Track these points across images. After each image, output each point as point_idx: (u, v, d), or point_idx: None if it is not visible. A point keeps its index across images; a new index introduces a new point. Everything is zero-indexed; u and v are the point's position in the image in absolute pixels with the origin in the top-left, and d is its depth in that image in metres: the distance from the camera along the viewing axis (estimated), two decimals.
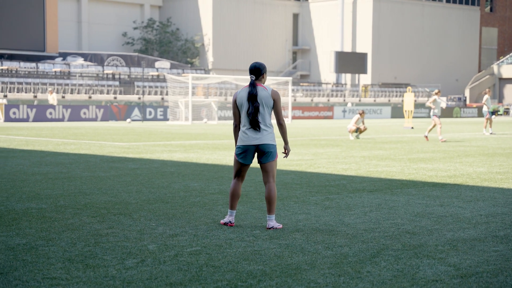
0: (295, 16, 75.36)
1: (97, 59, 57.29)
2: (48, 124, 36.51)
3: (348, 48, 70.73)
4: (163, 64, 57.66)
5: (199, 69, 61.25)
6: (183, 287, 4.74)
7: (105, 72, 51.42)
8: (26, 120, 39.20)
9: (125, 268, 5.24)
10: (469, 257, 5.73)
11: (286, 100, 46.46)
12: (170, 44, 68.89)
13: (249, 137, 6.90)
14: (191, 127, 34.13)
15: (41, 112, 39.97)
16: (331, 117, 54.15)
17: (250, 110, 6.82)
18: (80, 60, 55.66)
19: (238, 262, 5.48)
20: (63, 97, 44.89)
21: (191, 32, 69.23)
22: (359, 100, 61.62)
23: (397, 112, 56.59)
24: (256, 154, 7.03)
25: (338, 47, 69.61)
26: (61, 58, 55.59)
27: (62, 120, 40.53)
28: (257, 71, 6.93)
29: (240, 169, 7.11)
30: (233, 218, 7.13)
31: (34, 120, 39.27)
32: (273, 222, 6.97)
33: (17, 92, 43.42)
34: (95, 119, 41.80)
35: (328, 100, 59.23)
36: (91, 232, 6.67)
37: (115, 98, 47.21)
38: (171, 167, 13.20)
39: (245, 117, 6.89)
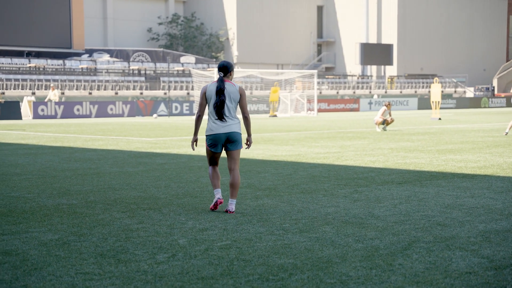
0: (320, 8, 75.03)
1: (123, 55, 57.61)
2: (76, 120, 36.82)
3: (373, 40, 70.29)
4: (188, 59, 57.81)
5: None
6: (214, 281, 4.75)
7: (131, 68, 51.70)
8: (54, 117, 39.57)
9: (156, 263, 5.26)
10: (503, 249, 5.67)
11: (312, 93, 46.32)
12: (195, 39, 69.04)
13: (218, 126, 7.55)
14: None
15: (69, 109, 40.32)
16: (357, 110, 53.89)
17: (217, 102, 7.49)
18: (106, 57, 56.03)
19: (269, 255, 5.48)
20: (89, 93, 45.22)
21: (215, 26, 69.30)
22: (385, 92, 61.23)
23: (424, 103, 56.16)
24: (225, 141, 7.63)
25: (363, 39, 69.22)
26: (87, 55, 55.99)
27: (89, 116, 40.85)
28: (225, 69, 7.56)
29: (213, 157, 7.80)
30: (220, 194, 7.67)
31: (62, 117, 39.63)
32: (233, 206, 7.55)
33: (45, 89, 43.83)
34: (121, 115, 42.06)
35: (354, 92, 58.95)
36: (122, 227, 6.71)
37: (141, 93, 47.46)
38: (198, 162, 13.24)
39: (212, 109, 7.55)
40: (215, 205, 7.63)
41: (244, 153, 15.06)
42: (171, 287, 4.61)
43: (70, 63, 50.41)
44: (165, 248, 5.79)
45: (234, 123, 7.57)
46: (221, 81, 7.51)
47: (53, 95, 39.28)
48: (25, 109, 39.28)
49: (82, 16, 55.93)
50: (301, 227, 6.69)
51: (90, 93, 45.26)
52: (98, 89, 46.18)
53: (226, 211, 7.53)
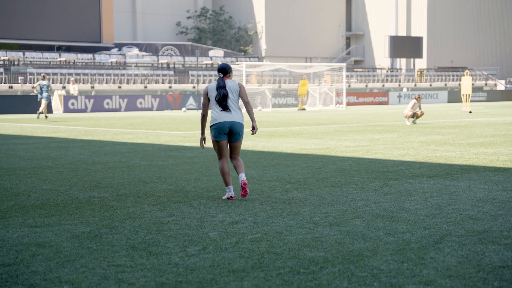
0: (348, 1, 74.61)
1: (152, 49, 57.90)
2: (106, 114, 37.11)
3: (402, 32, 69.72)
4: (217, 52, 57.92)
5: (252, 56, 61.32)
6: (245, 274, 4.76)
7: (160, 61, 51.93)
8: (84, 110, 39.93)
9: (187, 256, 5.29)
10: None
11: (341, 86, 46.11)
12: (223, 33, 69.12)
13: (221, 115, 8.07)
14: (245, 115, 34.24)
15: (99, 103, 40.66)
16: (386, 103, 53.54)
17: (219, 96, 8.05)
18: (135, 51, 56.35)
19: (299, 249, 5.47)
20: (118, 87, 45.53)
21: (244, 20, 69.28)
22: (415, 85, 60.73)
23: (454, 96, 55.59)
24: (228, 133, 8.14)
25: (393, 32, 68.70)
26: (116, 49, 56.37)
27: (119, 110, 41.15)
28: (224, 70, 8.22)
29: (221, 148, 8.18)
30: (232, 192, 8.10)
31: (92, 111, 39.98)
32: (244, 176, 8.00)
33: (75, 83, 44.23)
34: (151, 109, 42.31)
35: (383, 85, 58.56)
36: (153, 220, 6.75)
37: (170, 87, 47.67)
38: None
39: (215, 102, 8.11)
40: (229, 198, 8.08)
41: (273, 147, 15.05)
42: (203, 279, 4.62)
43: (99, 57, 50.80)
44: (196, 241, 5.82)
45: (237, 114, 8.12)
46: (221, 79, 8.17)
47: (72, 89, 39.45)
48: (56, 103, 39.68)
49: (112, 10, 56.31)
50: (331, 220, 6.67)
51: (119, 87, 45.58)
52: (127, 83, 46.48)
53: (242, 183, 7.93)
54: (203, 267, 4.93)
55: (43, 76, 30.27)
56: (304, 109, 41.93)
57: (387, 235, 5.93)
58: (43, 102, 29.34)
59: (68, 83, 43.99)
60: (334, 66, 48.24)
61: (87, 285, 4.51)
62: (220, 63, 46.09)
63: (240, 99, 8.23)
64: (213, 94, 8.11)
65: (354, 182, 9.37)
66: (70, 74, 44.63)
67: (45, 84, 29.37)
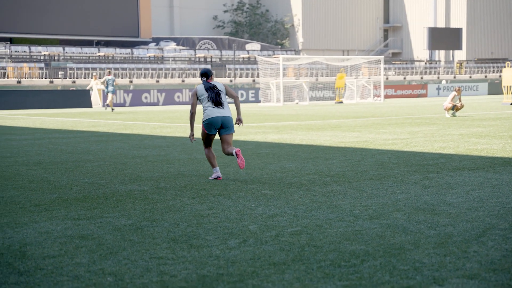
0: None
1: (189, 43, 58.16)
2: (144, 108, 37.43)
3: (441, 24, 68.83)
4: (254, 46, 57.93)
5: (289, 50, 61.20)
6: (286, 266, 4.76)
7: (197, 55, 52.15)
8: (122, 104, 40.32)
9: (228, 248, 5.31)
10: None
11: (378, 79, 45.75)
12: (260, 26, 69.09)
13: (214, 111, 9.08)
14: (282, 109, 34.19)
15: (137, 97, 41.02)
16: (424, 95, 52.99)
17: (213, 95, 9.07)
18: (173, 45, 56.68)
19: (340, 242, 5.45)
20: (156, 81, 45.85)
21: (280, 13, 69.15)
22: (454, 77, 59.96)
23: (495, 88, 54.74)
24: (219, 127, 9.12)
25: (431, 23, 67.87)
26: (154, 43, 56.77)
27: (156, 104, 41.46)
28: (206, 74, 9.27)
29: (210, 140, 9.26)
30: (219, 173, 9.18)
31: (131, 105, 40.36)
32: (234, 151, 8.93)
33: (97, 78, 44.66)
34: (188, 103, 42.52)
35: (422, 77, 57.95)
36: (193, 213, 6.79)
37: None
38: (265, 148, 13.27)
39: (208, 101, 9.09)
40: (216, 178, 9.10)
41: (311, 140, 15.02)
42: (244, 272, 4.64)
43: (137, 52, 51.23)
44: (236, 233, 5.84)
45: (227, 109, 9.21)
46: (206, 82, 9.22)
47: (95, 84, 39.70)
48: (95, 97, 40.14)
49: (149, 5, 56.70)
50: (371, 213, 6.63)
51: (157, 81, 45.91)
52: (165, 77, 46.80)
53: (236, 151, 8.93)
54: (243, 260, 4.95)
55: (109, 71, 32.95)
56: (341, 102, 41.72)
57: (428, 229, 5.87)
58: (109, 96, 32.11)
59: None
60: (372, 59, 47.88)
61: (130, 277, 4.56)
62: (256, 56, 46.20)
63: (228, 96, 9.35)
64: (204, 94, 9.14)
65: (393, 175, 9.29)
66: (109, 69, 45.08)
67: (110, 79, 31.87)
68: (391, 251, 5.12)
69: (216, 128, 9.13)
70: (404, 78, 57.09)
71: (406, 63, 61.32)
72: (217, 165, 9.22)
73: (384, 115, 25.29)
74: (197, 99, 9.21)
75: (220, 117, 9.07)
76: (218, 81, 9.32)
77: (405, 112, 27.40)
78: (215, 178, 9.10)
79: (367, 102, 42.41)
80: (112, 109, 32.29)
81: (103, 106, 33.58)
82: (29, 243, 5.57)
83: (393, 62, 61.57)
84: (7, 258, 5.09)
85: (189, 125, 9.13)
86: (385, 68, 54.05)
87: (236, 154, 8.90)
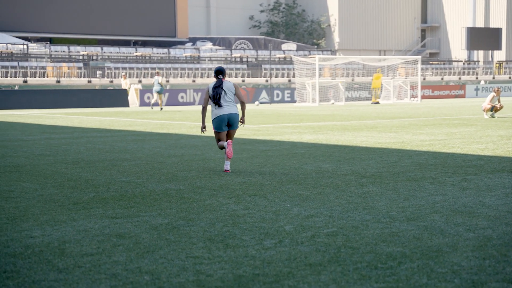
0: None
1: (225, 43, 58.33)
2: (180, 107, 37.65)
3: (480, 24, 67.92)
4: (290, 46, 57.86)
5: (325, 50, 60.99)
6: (322, 268, 4.74)
7: (233, 55, 52.28)
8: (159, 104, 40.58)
9: (264, 249, 5.31)
10: None
11: (415, 79, 45.34)
12: (296, 26, 68.99)
13: (219, 110, 9.93)
14: (318, 109, 34.09)
15: (174, 96, 41.28)
16: (462, 96, 52.36)
17: (214, 94, 9.91)
18: (209, 45, 56.91)
19: (376, 243, 5.41)
20: (193, 81, 46.09)
21: (317, 13, 68.96)
22: (493, 78, 59.11)
23: None
24: (227, 123, 9.97)
25: (470, 23, 67.01)
26: (191, 43, 57.07)
27: (193, 103, 41.68)
28: (220, 72, 10.04)
29: (221, 137, 10.07)
30: (228, 166, 9.96)
31: (167, 104, 40.62)
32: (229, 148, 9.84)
33: (151, 77, 45.03)
34: (157, 104, 42.61)
35: (459, 78, 57.25)
36: (229, 213, 6.81)
37: (243, 81, 47.93)
38: (301, 149, 13.25)
39: (213, 100, 9.95)
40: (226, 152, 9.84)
41: (347, 140, 14.95)
42: (279, 273, 4.63)
43: (174, 52, 51.54)
44: (271, 234, 5.83)
45: (232, 107, 9.96)
46: (220, 80, 10.00)
47: (124, 83, 39.89)
48: (132, 96, 40.50)
49: (186, 6, 57.03)
50: (408, 215, 6.57)
51: (193, 81, 46.14)
52: (201, 77, 47.01)
53: (228, 141, 9.85)
54: (279, 260, 4.94)
55: (157, 72, 34.58)
56: (378, 103, 41.45)
57: (467, 231, 5.80)
58: (155, 95, 33.85)
59: (144, 77, 44.82)
60: (409, 59, 47.45)
61: (166, 276, 4.59)
62: (292, 56, 46.15)
63: (236, 97, 10.10)
64: (212, 93, 9.96)
65: (431, 176, 9.20)
66: (146, 69, 45.45)
67: (157, 79, 33.54)
68: (429, 253, 5.07)
69: (226, 125, 10.00)
70: (442, 79, 56.48)
71: (443, 64, 60.65)
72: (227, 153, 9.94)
73: (421, 116, 25.05)
74: (209, 97, 10.06)
75: (226, 114, 9.95)
76: (230, 81, 10.05)
77: (443, 113, 27.11)
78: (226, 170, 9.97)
79: (404, 103, 42.06)
80: (161, 108, 34.01)
81: (151, 106, 35.44)
82: (67, 240, 5.65)
83: (431, 62, 60.94)
84: (46, 255, 5.17)
85: (201, 118, 10.29)
86: (422, 69, 53.52)
87: (227, 144, 9.83)
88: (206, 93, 10.08)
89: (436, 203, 7.18)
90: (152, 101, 34.49)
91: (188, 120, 23.73)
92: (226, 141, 10.01)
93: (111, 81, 43.11)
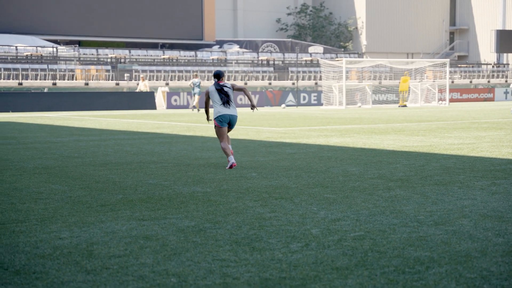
0: None
1: (252, 46, 58.42)
2: None
3: (510, 26, 67.18)
4: (317, 49, 57.76)
5: (352, 53, 60.79)
6: (349, 272, 4.72)
7: (260, 58, 52.34)
8: (186, 106, 40.78)
9: (290, 252, 5.30)
10: None
11: (443, 82, 44.98)
12: (323, 29, 68.86)
13: (224, 109, 11.12)
14: (345, 112, 33.98)
15: (200, 99, 41.38)
16: (491, 99, 51.82)
17: (223, 97, 11.09)
18: (236, 48, 57.04)
19: (404, 247, 5.38)
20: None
21: (344, 15, 68.76)
22: None
23: None
24: (228, 122, 11.20)
25: (500, 25, 66.33)
26: (217, 46, 57.25)
27: None
28: (218, 76, 11.23)
29: (223, 132, 11.12)
30: (234, 160, 10.86)
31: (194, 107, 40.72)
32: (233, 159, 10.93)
33: (178, 80, 45.27)
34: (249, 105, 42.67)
35: (489, 81, 56.70)
36: (255, 216, 6.81)
37: (269, 84, 47.96)
38: (328, 152, 13.21)
39: (219, 102, 11.13)
40: (231, 166, 10.77)
41: (374, 144, 14.88)
42: (306, 276, 4.62)
43: (201, 54, 51.75)
44: (298, 237, 5.82)
45: (234, 109, 11.25)
46: (217, 84, 11.17)
47: (143, 85, 39.89)
48: (159, 99, 40.73)
49: (214, 9, 57.24)
50: (436, 219, 6.51)
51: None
52: (228, 80, 47.11)
53: (233, 164, 10.84)
54: (306, 264, 4.93)
55: (195, 74, 36.48)
56: (405, 106, 41.19)
57: (496, 236, 5.73)
58: (196, 97, 35.66)
59: (172, 79, 45.04)
60: (437, 62, 47.12)
61: (193, 278, 4.60)
62: (319, 59, 46.09)
63: (236, 90, 11.31)
64: (215, 95, 11.15)
65: (459, 180, 9.11)
66: (173, 71, 45.69)
67: (197, 81, 35.11)
68: (457, 258, 5.02)
69: (227, 122, 11.16)
70: (470, 82, 55.96)
71: (472, 67, 60.10)
72: (232, 155, 10.97)
73: (449, 119, 24.84)
74: (209, 97, 11.33)
75: (229, 115, 11.16)
76: (228, 83, 11.31)
77: (471, 116, 26.85)
78: (230, 166, 10.78)
79: (432, 106, 41.75)
80: (198, 110, 35.60)
81: (191, 107, 37.27)
82: (95, 242, 5.69)
83: (459, 65, 60.42)
84: (74, 256, 5.21)
85: (205, 114, 12.00)
86: (450, 72, 53.10)
87: (231, 159, 10.85)
88: (206, 96, 11.36)
89: (465, 208, 7.11)
90: (194, 103, 36.10)
91: None
92: (227, 134, 11.24)
93: (138, 84, 43.41)
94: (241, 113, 33.15)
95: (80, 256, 5.20)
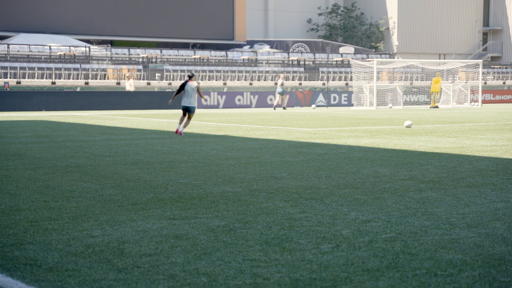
0: None
1: (283, 46, 58.37)
2: (237, 110, 37.83)
3: None
4: (347, 49, 57.51)
5: (383, 53, 60.41)
6: (380, 273, 4.69)
7: (291, 58, 52.27)
8: (216, 106, 40.91)
9: (320, 253, 5.28)
10: None
11: (476, 83, 44.49)
12: (354, 29, 68.54)
13: (185, 102, 17.61)
14: (376, 112, 33.78)
15: (231, 99, 41.51)
16: None
17: (184, 91, 17.65)
18: (267, 48, 57.03)
19: (436, 250, 5.33)
20: (250, 84, 46.27)
21: (375, 16, 68.37)
22: None
23: None
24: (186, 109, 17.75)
25: None
26: (248, 46, 57.31)
27: (249, 106, 41.81)
28: (190, 77, 17.69)
29: (184, 113, 17.68)
30: (182, 128, 17.33)
31: (224, 107, 40.87)
32: (182, 129, 17.42)
33: (208, 79, 45.41)
34: (280, 105, 42.66)
35: None
36: (285, 216, 6.80)
37: (300, 84, 47.88)
38: (358, 153, 13.14)
39: (183, 94, 17.66)
40: (176, 131, 17.32)
41: (405, 145, 14.78)
42: (337, 277, 4.60)
43: (232, 54, 51.85)
44: (328, 238, 5.80)
45: (192, 101, 17.60)
46: (187, 82, 17.66)
47: (128, 85, 39.48)
48: None
49: (245, 9, 57.32)
50: (468, 222, 6.44)
51: (250, 84, 46.31)
52: (258, 80, 47.15)
53: (178, 132, 17.37)
54: (336, 265, 4.91)
55: (279, 75, 39.30)
56: (437, 107, 40.83)
57: None
58: (278, 97, 38.55)
59: (202, 79, 45.21)
60: (470, 63, 46.61)
61: (223, 278, 4.61)
62: (349, 59, 45.90)
63: (197, 92, 17.83)
64: (182, 89, 17.73)
65: (492, 182, 9.00)
66: (203, 71, 45.85)
67: (280, 81, 38.10)
68: (491, 261, 4.96)
69: (185, 109, 17.69)
70: (504, 83, 55.26)
71: (506, 68, 59.33)
72: (182, 126, 17.49)
73: (482, 120, 24.56)
74: (180, 90, 17.84)
75: (186, 106, 17.67)
76: (195, 83, 17.68)
77: (504, 118, 26.51)
78: (176, 131, 17.41)
79: (464, 107, 41.32)
80: (284, 108, 38.58)
81: (273, 107, 39.25)
82: (127, 241, 5.73)
83: (492, 66, 59.69)
84: (106, 255, 5.25)
85: (172, 96, 18.28)
86: (483, 73, 52.48)
87: (180, 128, 17.44)
88: (179, 88, 17.78)
89: (498, 210, 7.02)
90: (274, 103, 38.63)
91: (245, 123, 23.83)
92: (185, 117, 17.71)
93: (170, 83, 43.64)
94: (272, 114, 33.19)
95: (112, 255, 5.24)
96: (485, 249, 5.33)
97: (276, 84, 38.77)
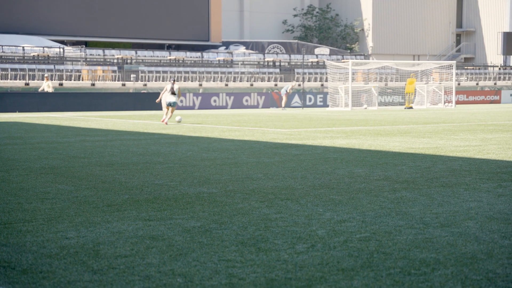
0: None
1: (258, 47, 58.44)
2: (213, 111, 37.80)
3: None
4: (323, 50, 57.75)
5: (358, 54, 60.75)
6: (355, 273, 4.73)
7: (266, 59, 52.35)
8: (192, 107, 40.84)
9: (296, 253, 5.31)
10: None
11: (450, 84, 44.92)
12: (329, 30, 68.83)
13: (170, 98, 23.57)
14: (351, 113, 33.97)
15: (206, 100, 41.47)
16: (498, 101, 51.73)
17: (171, 91, 23.59)
18: (242, 49, 57.06)
19: (410, 249, 5.38)
20: (225, 85, 46.26)
21: (350, 17, 68.74)
22: None
23: None
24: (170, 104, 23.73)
25: (506, 28, 66.19)
26: (224, 47, 57.29)
27: (225, 107, 41.81)
28: (173, 81, 23.98)
29: (168, 108, 23.57)
30: (166, 119, 23.38)
31: (199, 108, 40.82)
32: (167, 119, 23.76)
33: (184, 81, 45.31)
34: (256, 106, 42.71)
35: (495, 83, 56.58)
36: (261, 217, 6.82)
37: (275, 85, 47.97)
38: (333, 153, 13.21)
39: (169, 93, 23.68)
40: (163, 120, 23.20)
41: (380, 145, 14.88)
42: (312, 277, 4.63)
43: (207, 55, 51.80)
44: (304, 238, 5.83)
45: (174, 99, 23.46)
46: (171, 84, 23.64)
47: (46, 86, 38.99)
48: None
49: (220, 10, 57.28)
50: (442, 221, 6.51)
51: (226, 85, 46.30)
52: (234, 81, 47.15)
53: (164, 122, 22.92)
54: (312, 265, 4.94)
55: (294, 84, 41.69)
56: (411, 108, 41.16)
57: (502, 238, 5.73)
58: (284, 97, 40.26)
59: (178, 80, 45.09)
60: (443, 64, 47.06)
61: (199, 278, 4.62)
62: (325, 60, 46.11)
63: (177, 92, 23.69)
64: (168, 89, 23.55)
65: (465, 182, 9.11)
66: (179, 72, 45.75)
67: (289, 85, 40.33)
68: (463, 260, 5.02)
69: (168, 104, 23.26)
70: (477, 84, 55.87)
71: (479, 69, 60.00)
72: (166, 117, 23.21)
73: (455, 121, 24.81)
74: (165, 90, 23.42)
75: (169, 101, 23.35)
76: (177, 84, 23.32)
77: (478, 118, 26.81)
78: (162, 120, 23.20)
79: (438, 108, 41.70)
80: (284, 108, 40.63)
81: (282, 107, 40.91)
82: (102, 242, 5.71)
83: (466, 67, 60.32)
84: (81, 256, 5.23)
85: (160, 96, 24.06)
86: (457, 74, 53.02)
87: (165, 119, 22.84)
88: (164, 89, 23.57)
89: (471, 210, 7.11)
90: (283, 104, 40.76)
91: (221, 124, 23.83)
92: (168, 110, 23.54)
93: (145, 85, 43.48)
94: (247, 114, 33.21)
95: (87, 256, 5.23)
96: (457, 248, 5.40)
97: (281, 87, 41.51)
